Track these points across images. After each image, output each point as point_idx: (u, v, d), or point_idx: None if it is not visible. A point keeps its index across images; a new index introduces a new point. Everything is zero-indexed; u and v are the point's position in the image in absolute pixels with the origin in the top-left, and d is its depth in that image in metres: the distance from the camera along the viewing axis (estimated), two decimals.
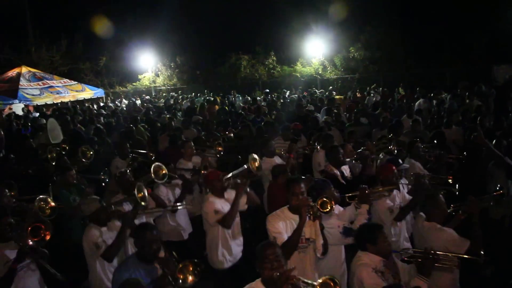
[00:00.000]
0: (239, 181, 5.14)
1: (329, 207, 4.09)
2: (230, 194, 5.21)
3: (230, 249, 5.15)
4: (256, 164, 5.32)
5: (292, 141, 8.23)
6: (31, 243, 3.98)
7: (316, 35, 27.00)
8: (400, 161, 5.97)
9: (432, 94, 15.92)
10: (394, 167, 5.26)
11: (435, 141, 7.57)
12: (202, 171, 6.13)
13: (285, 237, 4.14)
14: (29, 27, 30.06)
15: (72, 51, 29.86)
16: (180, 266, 3.66)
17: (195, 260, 3.71)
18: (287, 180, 4.52)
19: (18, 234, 4.08)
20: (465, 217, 4.44)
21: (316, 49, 27.56)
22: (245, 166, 5.29)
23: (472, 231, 4.16)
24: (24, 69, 24.04)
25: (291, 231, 4.19)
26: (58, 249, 4.47)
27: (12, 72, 23.86)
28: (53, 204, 4.57)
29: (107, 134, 11.02)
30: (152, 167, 5.36)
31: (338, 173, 6.14)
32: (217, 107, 15.92)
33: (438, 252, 3.81)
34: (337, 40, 26.91)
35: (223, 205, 5.07)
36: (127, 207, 5.20)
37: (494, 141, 6.76)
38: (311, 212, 4.09)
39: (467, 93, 13.07)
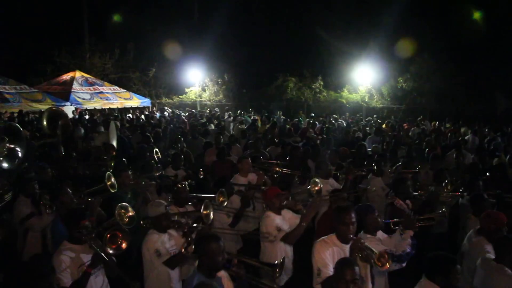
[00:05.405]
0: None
1: (384, 264, 3.77)
2: (286, 212, 5.18)
3: (288, 263, 5.07)
4: (317, 188, 5.33)
5: (339, 165, 8.16)
6: (110, 251, 3.97)
7: (364, 63, 26.71)
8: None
9: (487, 130, 15.66)
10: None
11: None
12: (262, 187, 6.10)
13: (331, 270, 3.88)
14: (86, 34, 31.52)
15: (124, 60, 30.86)
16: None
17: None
18: (336, 208, 4.34)
19: (93, 238, 4.03)
20: None
21: (363, 77, 27.27)
22: (309, 187, 5.33)
23: None
24: (78, 74, 25.07)
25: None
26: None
27: (67, 76, 24.95)
28: (132, 213, 4.53)
29: (155, 143, 11.21)
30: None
31: (406, 206, 5.94)
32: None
33: None
34: (385, 69, 26.59)
35: (281, 222, 5.03)
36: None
37: None
38: (362, 255, 3.90)
39: None
